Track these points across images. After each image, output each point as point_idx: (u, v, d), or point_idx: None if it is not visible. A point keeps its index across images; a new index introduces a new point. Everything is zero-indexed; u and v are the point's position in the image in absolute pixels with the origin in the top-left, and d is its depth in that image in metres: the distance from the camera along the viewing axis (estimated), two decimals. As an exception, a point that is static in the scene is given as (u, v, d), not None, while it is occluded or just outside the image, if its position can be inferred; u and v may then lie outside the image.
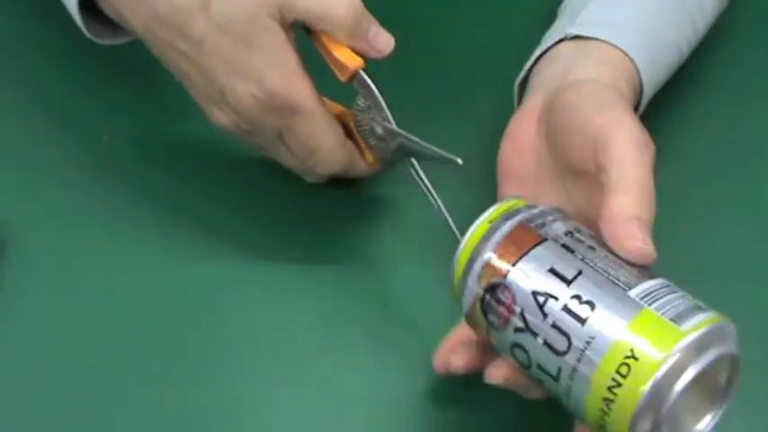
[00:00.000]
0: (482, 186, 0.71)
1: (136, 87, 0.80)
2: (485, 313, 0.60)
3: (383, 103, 0.68)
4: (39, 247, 0.73)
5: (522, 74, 0.73)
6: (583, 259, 0.58)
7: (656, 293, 0.57)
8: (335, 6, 0.66)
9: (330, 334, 0.70)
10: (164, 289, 0.72)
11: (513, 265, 0.59)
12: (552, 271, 0.58)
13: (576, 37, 0.71)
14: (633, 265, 0.58)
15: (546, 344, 0.58)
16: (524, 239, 0.59)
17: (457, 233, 0.64)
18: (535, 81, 0.71)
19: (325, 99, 0.69)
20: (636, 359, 0.55)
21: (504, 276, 0.59)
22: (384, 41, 0.67)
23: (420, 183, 0.68)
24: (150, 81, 0.79)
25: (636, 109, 0.70)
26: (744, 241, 0.74)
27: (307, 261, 0.73)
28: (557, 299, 0.57)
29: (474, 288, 0.60)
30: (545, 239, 0.59)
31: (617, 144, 0.61)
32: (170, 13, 0.66)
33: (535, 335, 0.58)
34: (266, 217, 0.75)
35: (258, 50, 0.66)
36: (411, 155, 0.68)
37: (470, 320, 0.62)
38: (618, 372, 0.55)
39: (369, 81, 0.67)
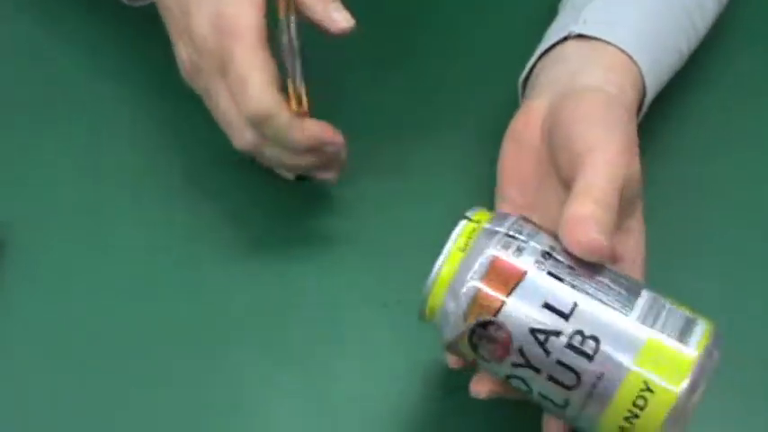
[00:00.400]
0: (482, 187, 0.71)
1: (136, 87, 0.80)
2: (474, 347, 0.59)
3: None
4: (39, 247, 0.73)
5: (526, 71, 0.73)
6: (573, 287, 0.57)
7: (652, 312, 0.57)
8: None
9: (330, 334, 0.70)
10: (164, 289, 0.72)
11: (503, 303, 0.57)
12: (547, 306, 0.57)
13: (580, 35, 0.71)
14: (615, 281, 0.58)
15: (551, 378, 0.57)
16: (508, 271, 0.57)
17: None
18: (542, 79, 0.71)
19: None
20: (652, 391, 0.55)
21: (496, 314, 0.57)
22: (344, 16, 0.69)
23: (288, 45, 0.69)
24: (151, 81, 0.79)
25: (639, 110, 0.70)
26: (743, 239, 0.74)
27: (307, 261, 0.73)
28: (558, 335, 0.57)
29: (459, 323, 0.58)
30: (528, 271, 0.58)
31: (592, 162, 0.61)
32: None
33: (538, 370, 0.57)
34: (266, 216, 0.75)
35: None
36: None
37: (453, 349, 0.60)
38: (634, 404, 0.56)
39: (290, 29, 0.69)
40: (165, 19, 0.72)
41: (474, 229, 0.59)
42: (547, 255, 0.58)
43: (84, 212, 0.75)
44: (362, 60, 0.80)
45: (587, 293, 0.57)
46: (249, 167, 0.75)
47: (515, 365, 0.58)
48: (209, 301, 0.71)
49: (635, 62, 0.69)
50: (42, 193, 0.75)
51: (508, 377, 0.59)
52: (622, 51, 0.69)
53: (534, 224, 0.60)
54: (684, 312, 0.58)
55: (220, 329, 0.70)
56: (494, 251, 0.58)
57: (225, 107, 0.69)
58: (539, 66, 0.72)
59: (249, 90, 0.67)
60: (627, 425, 0.56)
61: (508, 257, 0.58)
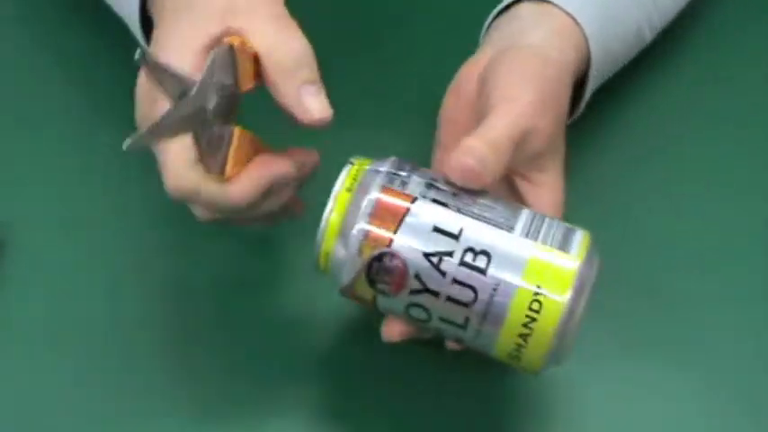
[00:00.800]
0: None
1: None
2: (372, 283, 0.60)
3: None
4: (39, 247, 0.73)
5: (484, 28, 0.74)
6: (459, 210, 0.60)
7: (533, 226, 0.60)
8: (279, 48, 0.61)
9: (330, 336, 0.70)
10: (164, 288, 0.72)
11: (395, 231, 0.59)
12: (437, 230, 0.60)
13: None
14: (497, 203, 0.61)
15: (450, 299, 0.60)
16: (395, 204, 0.60)
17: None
18: (493, 35, 0.72)
19: None
20: (541, 303, 0.58)
21: (389, 245, 0.59)
22: (318, 105, 0.61)
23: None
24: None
25: (584, 79, 0.72)
26: (741, 237, 0.75)
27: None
28: (451, 255, 0.59)
29: (355, 261, 0.60)
30: (415, 199, 0.60)
31: (498, 110, 0.63)
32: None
33: (436, 294, 0.60)
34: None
35: (166, 37, 0.62)
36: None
37: (351, 292, 0.62)
38: (530, 308, 0.58)
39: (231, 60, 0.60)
40: None
41: (358, 171, 0.61)
42: (430, 185, 0.61)
43: (84, 212, 0.75)
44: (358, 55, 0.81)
45: (473, 214, 0.60)
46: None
47: (414, 292, 0.60)
48: (210, 300, 0.71)
49: (580, 26, 0.70)
50: (42, 193, 0.75)
51: (408, 307, 0.61)
52: (568, 15, 0.70)
53: (414, 163, 0.63)
54: (563, 224, 0.61)
55: (221, 329, 0.70)
56: (379, 187, 0.60)
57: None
58: (494, 24, 0.74)
59: (166, 163, 0.61)
60: (521, 341, 0.59)
61: (393, 191, 0.60)
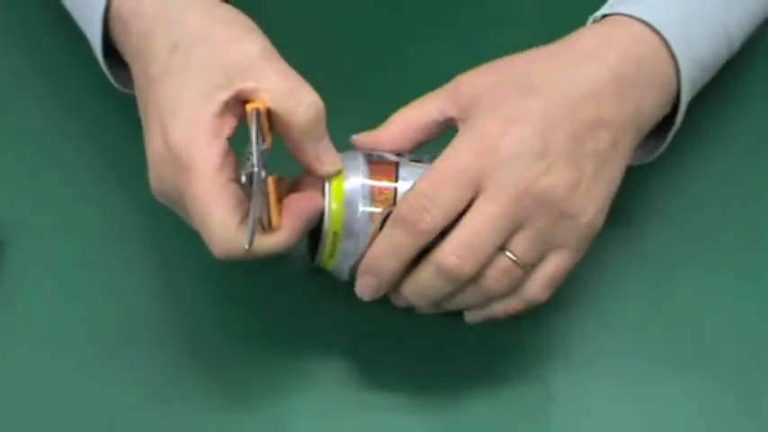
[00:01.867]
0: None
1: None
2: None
3: (254, 142, 0.62)
4: (39, 247, 0.73)
5: None
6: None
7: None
8: (298, 108, 0.63)
9: (330, 337, 0.70)
10: (164, 288, 0.72)
11: (396, 189, 0.65)
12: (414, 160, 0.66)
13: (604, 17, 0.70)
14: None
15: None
16: (386, 169, 0.65)
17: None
18: None
19: None
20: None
21: (395, 202, 0.65)
22: (332, 157, 0.65)
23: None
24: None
25: (677, 80, 0.69)
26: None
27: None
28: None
29: (370, 234, 0.64)
30: (398, 162, 0.66)
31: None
32: (144, 47, 0.66)
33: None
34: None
35: (181, 101, 0.63)
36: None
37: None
38: None
39: (255, 117, 0.62)
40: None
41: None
42: (399, 155, 0.67)
43: (85, 212, 0.75)
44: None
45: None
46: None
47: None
48: (211, 300, 0.71)
49: (656, 30, 0.68)
50: (42, 193, 0.75)
51: None
52: (643, 22, 0.68)
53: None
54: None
55: (221, 329, 0.70)
56: (365, 157, 0.66)
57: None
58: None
59: (211, 233, 0.62)
60: None
61: (379, 163, 0.66)
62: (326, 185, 0.65)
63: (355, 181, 0.65)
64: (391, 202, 0.65)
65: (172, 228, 0.74)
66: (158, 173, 0.64)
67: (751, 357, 0.70)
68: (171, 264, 0.73)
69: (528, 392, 0.68)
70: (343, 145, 0.67)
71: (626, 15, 0.69)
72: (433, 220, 0.63)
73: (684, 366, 0.69)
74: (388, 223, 0.64)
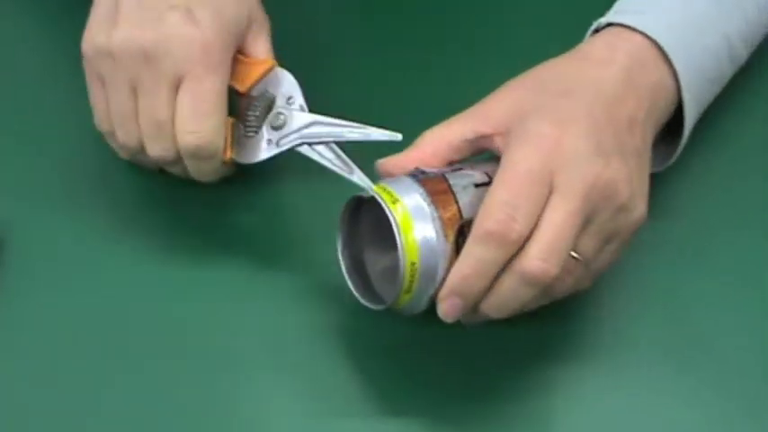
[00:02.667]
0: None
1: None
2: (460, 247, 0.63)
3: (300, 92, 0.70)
4: (39, 247, 0.73)
5: None
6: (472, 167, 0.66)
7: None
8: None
9: (332, 338, 0.70)
10: (164, 289, 0.72)
11: (456, 201, 0.64)
12: (476, 185, 0.65)
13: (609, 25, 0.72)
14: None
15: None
16: (437, 181, 0.64)
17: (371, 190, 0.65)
18: None
19: None
20: None
21: (461, 216, 0.63)
22: None
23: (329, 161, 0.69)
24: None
25: (677, 92, 0.70)
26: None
27: (310, 262, 0.73)
28: (486, 184, 0.64)
29: (444, 248, 0.63)
30: (444, 173, 0.65)
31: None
32: None
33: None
34: (268, 216, 0.75)
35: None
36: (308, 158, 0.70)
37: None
38: None
39: (288, 73, 0.70)
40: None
41: (383, 191, 0.64)
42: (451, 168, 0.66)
43: (85, 212, 0.75)
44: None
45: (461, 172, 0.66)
46: (250, 169, 0.75)
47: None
48: (211, 301, 0.71)
49: (655, 41, 0.70)
50: (42, 193, 0.75)
51: None
52: (638, 32, 0.70)
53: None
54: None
55: (221, 329, 0.70)
56: (415, 182, 0.64)
57: (161, 114, 0.69)
58: None
59: (202, 125, 0.69)
60: None
61: (425, 179, 0.65)
62: (390, 216, 0.63)
63: (415, 201, 0.64)
64: (457, 215, 0.63)
65: (172, 227, 0.74)
66: (170, 46, 0.68)
67: (751, 358, 0.70)
68: (171, 263, 0.73)
69: (528, 392, 0.68)
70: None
71: (627, 27, 0.70)
72: (521, 227, 0.62)
73: (684, 366, 0.69)
74: (470, 240, 0.62)
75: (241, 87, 0.71)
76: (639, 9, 0.72)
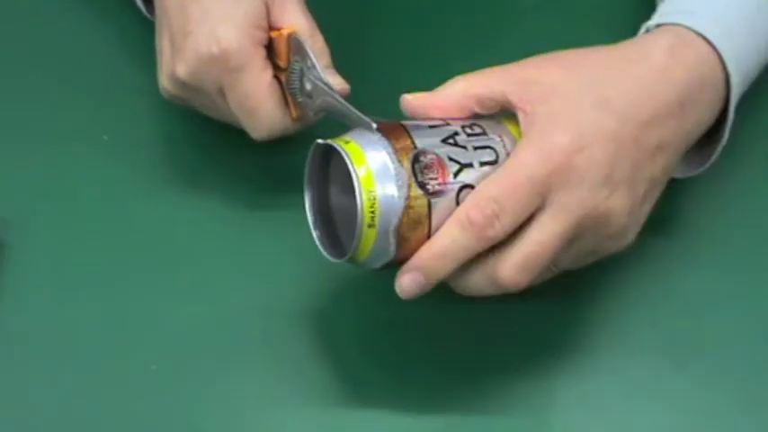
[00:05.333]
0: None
1: (135, 87, 0.80)
2: (423, 185, 0.63)
3: (316, 62, 0.71)
4: (39, 247, 0.73)
5: None
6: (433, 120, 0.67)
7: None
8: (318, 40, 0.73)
9: (331, 339, 0.70)
10: (164, 289, 0.72)
11: (411, 137, 0.64)
12: (432, 126, 0.66)
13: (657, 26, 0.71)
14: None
15: (482, 164, 0.65)
16: (395, 125, 0.65)
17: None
18: None
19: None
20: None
21: (415, 147, 0.64)
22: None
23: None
24: (151, 80, 0.79)
25: (725, 81, 0.69)
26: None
27: (310, 262, 0.73)
28: (457, 134, 0.65)
29: (401, 173, 0.63)
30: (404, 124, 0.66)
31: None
32: None
33: (471, 165, 0.64)
34: (269, 217, 0.75)
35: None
36: (332, 113, 0.70)
37: (410, 222, 0.63)
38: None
39: (303, 41, 0.72)
40: (159, 27, 0.73)
41: (347, 143, 0.64)
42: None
43: (85, 212, 0.75)
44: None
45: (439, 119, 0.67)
46: (250, 167, 0.75)
47: (456, 173, 0.64)
48: (210, 301, 0.71)
49: (700, 33, 0.68)
50: (42, 192, 0.75)
51: (458, 193, 0.64)
52: (681, 26, 0.69)
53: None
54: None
55: (221, 330, 0.70)
56: (374, 126, 0.65)
57: (225, 116, 0.73)
58: None
59: (259, 120, 0.71)
60: None
61: (387, 123, 0.65)
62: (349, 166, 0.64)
63: (367, 138, 0.65)
64: (411, 145, 0.64)
65: (172, 227, 0.74)
66: (199, 70, 0.70)
67: (751, 357, 0.70)
68: (172, 265, 0.73)
69: (528, 392, 0.68)
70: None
71: (689, 29, 0.69)
72: (501, 228, 0.62)
73: (684, 366, 0.69)
74: (450, 220, 0.63)
75: (282, 64, 0.73)
76: (691, 9, 0.70)
